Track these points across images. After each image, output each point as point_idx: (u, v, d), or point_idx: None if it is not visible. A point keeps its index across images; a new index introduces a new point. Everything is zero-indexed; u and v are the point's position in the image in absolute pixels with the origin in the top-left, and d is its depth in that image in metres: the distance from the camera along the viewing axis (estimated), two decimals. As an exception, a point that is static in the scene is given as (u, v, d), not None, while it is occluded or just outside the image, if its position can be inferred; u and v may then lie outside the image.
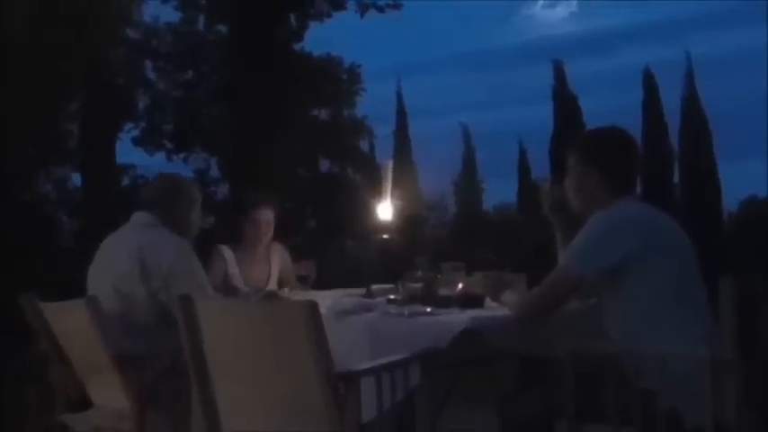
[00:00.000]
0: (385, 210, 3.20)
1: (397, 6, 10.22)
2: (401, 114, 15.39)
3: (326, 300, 2.73)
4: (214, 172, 11.61)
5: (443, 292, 2.70)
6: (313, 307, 1.86)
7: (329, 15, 10.48)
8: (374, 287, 3.01)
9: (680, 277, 2.17)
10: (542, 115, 15.79)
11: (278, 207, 3.73)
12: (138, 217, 2.84)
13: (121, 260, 2.71)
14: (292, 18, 10.43)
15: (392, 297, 2.76)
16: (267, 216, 3.64)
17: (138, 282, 2.66)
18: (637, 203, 2.35)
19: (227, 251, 3.57)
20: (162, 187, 2.93)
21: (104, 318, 2.51)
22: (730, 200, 15.03)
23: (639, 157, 2.42)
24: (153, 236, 2.75)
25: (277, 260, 3.70)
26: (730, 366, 1.88)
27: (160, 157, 11.95)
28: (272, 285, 3.61)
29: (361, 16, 10.26)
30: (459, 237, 12.01)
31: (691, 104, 15.39)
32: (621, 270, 2.14)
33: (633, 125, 15.53)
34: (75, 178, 10.04)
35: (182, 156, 11.95)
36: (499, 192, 15.76)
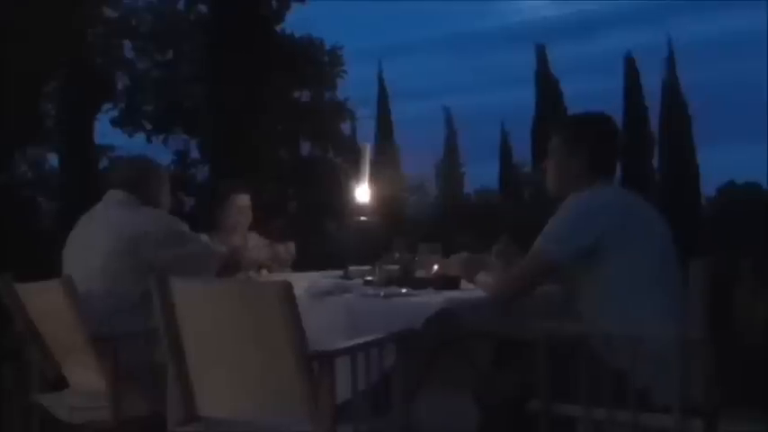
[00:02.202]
0: (363, 192, 3.21)
1: (378, -14, 10.16)
2: (383, 97, 15.37)
3: (304, 281, 2.74)
4: (194, 154, 11.55)
5: (420, 273, 2.71)
6: (287, 287, 1.87)
7: (310, -4, 10.42)
8: (352, 269, 3.02)
9: (656, 260, 2.19)
10: (524, 99, 15.85)
11: (253, 193, 3.72)
12: (113, 194, 2.83)
13: (101, 238, 2.70)
14: (273, -1, 10.36)
15: (369, 278, 2.77)
16: (244, 202, 3.63)
17: (124, 257, 2.65)
18: (614, 187, 2.37)
19: (203, 237, 3.54)
20: (131, 168, 2.93)
21: (80, 298, 2.49)
22: (708, 185, 15.20)
23: (619, 144, 2.44)
24: (130, 209, 2.76)
25: (253, 248, 3.69)
26: (700, 346, 1.91)
27: (139, 138, 11.88)
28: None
29: (343, -3, 10.20)
30: (440, 220, 12.05)
31: (671, 90, 15.50)
32: (596, 252, 2.16)
33: (614, 109, 15.58)
34: (53, 159, 9.96)
35: (161, 137, 11.88)
36: (481, 175, 15.84)
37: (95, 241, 2.72)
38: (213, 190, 5.49)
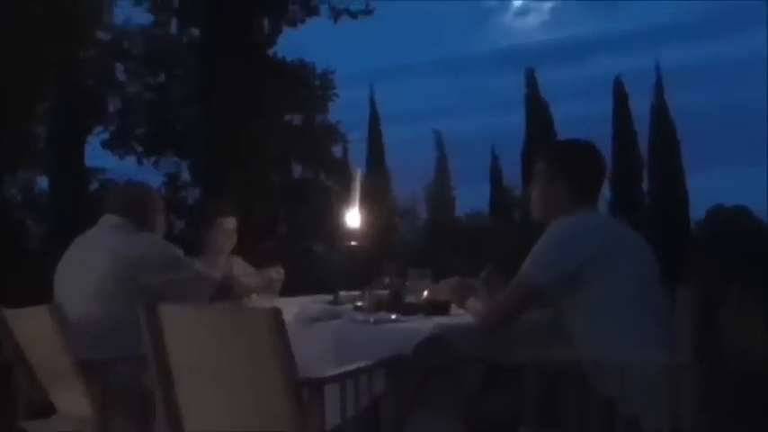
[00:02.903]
0: (353, 217, 3.21)
1: (369, 12, 10.29)
2: (374, 120, 15.46)
3: (293, 306, 2.74)
4: (185, 176, 11.56)
5: (410, 299, 2.71)
6: (277, 314, 1.87)
7: (302, 21, 10.51)
8: (341, 294, 3.02)
9: (640, 286, 2.21)
10: (515, 122, 15.97)
11: (243, 215, 3.72)
12: (108, 218, 2.83)
13: (98, 261, 2.69)
14: (266, 23, 10.43)
15: (359, 304, 2.77)
16: (230, 225, 3.63)
17: (121, 281, 2.64)
18: (597, 213, 2.40)
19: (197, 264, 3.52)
20: (128, 194, 2.93)
21: (74, 321, 2.48)
22: (698, 207, 15.30)
23: (605, 173, 2.46)
24: (127, 234, 2.76)
25: (238, 272, 3.68)
26: (687, 372, 1.92)
27: (130, 160, 11.88)
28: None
29: (335, 22, 10.32)
30: (431, 243, 12.06)
31: (659, 114, 15.66)
32: (581, 278, 2.17)
33: (603, 133, 15.75)
34: (42, 182, 9.94)
35: (152, 159, 11.89)
36: (471, 198, 15.88)
37: (90, 264, 2.71)
38: (200, 212, 5.49)
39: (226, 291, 3.02)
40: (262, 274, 3.60)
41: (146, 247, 2.72)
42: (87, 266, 2.72)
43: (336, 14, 10.26)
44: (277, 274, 3.57)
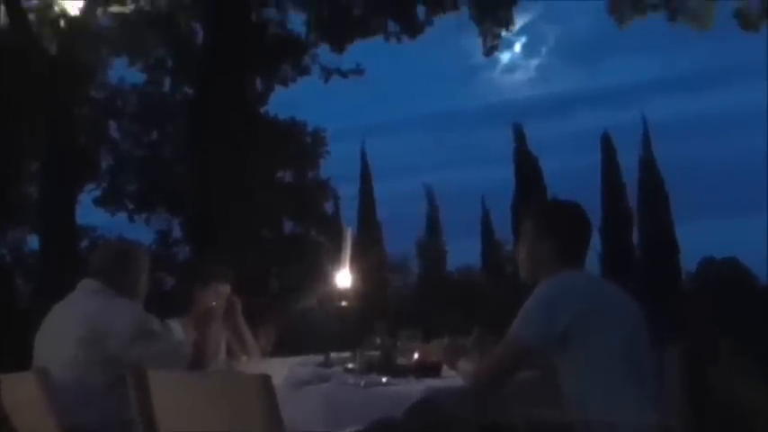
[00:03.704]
0: (344, 278, 3.21)
1: (359, 72, 10.47)
2: (365, 174, 15.56)
3: (283, 368, 2.72)
4: (176, 233, 11.56)
5: (400, 360, 2.70)
6: (266, 380, 1.86)
7: (294, 80, 10.69)
8: (332, 355, 2.99)
9: (628, 345, 2.22)
10: (504, 176, 16.10)
11: (234, 274, 3.70)
12: (86, 284, 2.82)
13: (73, 327, 2.67)
14: (258, 82, 10.60)
15: (349, 366, 2.75)
16: (223, 290, 3.61)
17: (93, 348, 2.62)
18: (584, 273, 2.41)
19: (175, 325, 3.48)
20: (109, 255, 2.91)
21: (54, 389, 2.46)
22: (688, 259, 15.34)
23: (591, 233, 2.48)
24: (103, 301, 2.73)
25: (223, 332, 3.65)
26: (677, 433, 1.91)
27: (122, 217, 11.89)
28: (222, 356, 3.57)
29: (326, 82, 10.50)
30: (423, 298, 12.02)
31: (647, 167, 15.84)
32: (569, 337, 2.18)
33: (592, 186, 15.89)
34: (33, 240, 9.92)
35: (144, 216, 11.90)
36: (463, 252, 15.89)
37: (66, 331, 2.69)
38: (195, 271, 5.47)
39: (197, 361, 2.93)
40: (252, 341, 3.58)
41: (120, 318, 2.68)
42: (63, 333, 2.70)
43: (327, 74, 10.45)
44: (267, 338, 3.55)
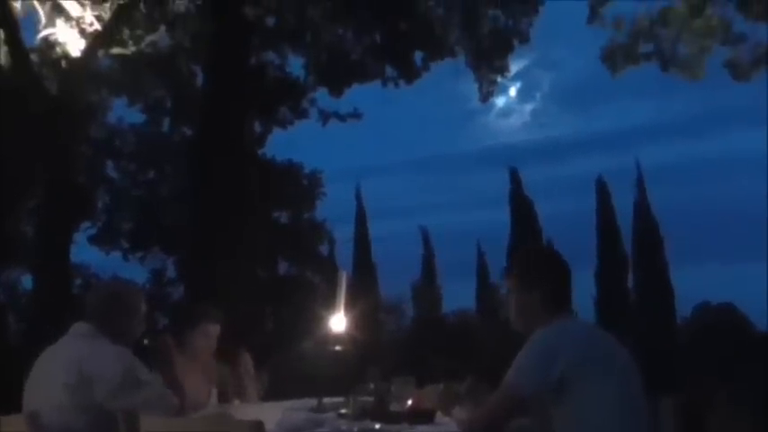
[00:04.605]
0: (338, 322, 3.21)
1: (357, 116, 10.57)
2: (360, 216, 15.61)
3: (276, 413, 2.70)
4: (171, 272, 11.53)
5: (394, 407, 2.68)
6: (258, 427, 1.85)
7: (292, 122, 10.79)
8: (325, 401, 2.98)
9: (622, 393, 2.22)
10: (500, 219, 16.17)
11: (228, 315, 3.69)
12: (77, 328, 2.80)
13: (61, 372, 2.65)
14: (257, 124, 10.70)
15: (343, 411, 2.73)
16: (213, 331, 3.60)
17: (80, 394, 2.60)
18: (574, 321, 2.42)
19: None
20: (101, 297, 2.88)
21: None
22: (683, 303, 15.32)
23: (570, 276, 2.49)
24: (92, 346, 2.70)
25: (215, 373, 3.63)
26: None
27: (116, 256, 11.86)
28: (213, 399, 3.54)
29: (323, 125, 10.59)
30: (417, 341, 11.95)
31: (642, 211, 15.92)
32: (563, 386, 2.18)
33: (587, 230, 15.94)
34: (27, 280, 9.87)
35: (138, 255, 11.88)
36: (458, 294, 15.85)
37: (55, 375, 2.67)
38: (185, 312, 5.45)
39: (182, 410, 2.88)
40: (243, 385, 3.56)
41: (107, 365, 2.64)
42: (52, 377, 2.68)
43: (325, 117, 10.56)
44: (260, 382, 3.53)
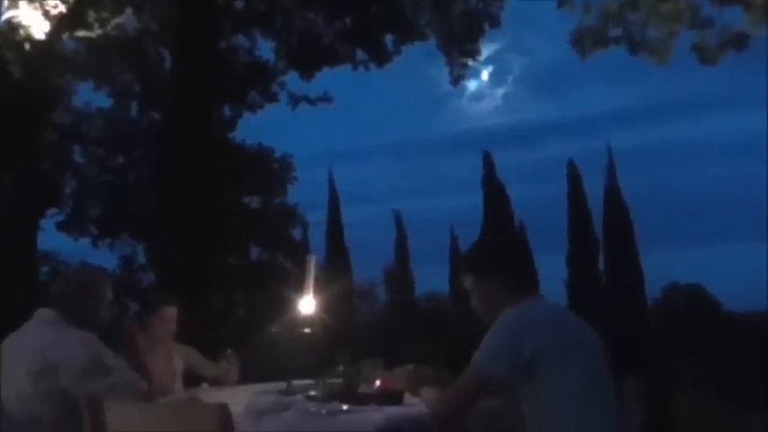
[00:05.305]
0: (307, 304, 3.20)
1: (327, 99, 10.50)
2: (333, 201, 15.58)
3: (245, 396, 2.69)
4: (141, 259, 11.40)
5: (363, 388, 2.68)
6: (223, 409, 1.84)
7: (262, 107, 10.68)
8: (294, 383, 2.97)
9: (589, 373, 2.23)
10: (473, 203, 16.24)
11: (198, 302, 3.67)
12: (41, 314, 2.76)
13: (25, 359, 2.61)
14: (226, 108, 10.58)
15: (312, 393, 2.73)
16: (170, 314, 3.58)
17: (44, 381, 2.56)
18: (541, 302, 2.42)
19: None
20: (66, 285, 2.84)
21: (6, 421, 2.39)
22: (652, 286, 15.55)
23: (529, 259, 2.50)
24: (56, 333, 2.66)
25: (180, 358, 3.61)
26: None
27: (85, 242, 11.70)
28: (178, 383, 3.52)
29: (293, 109, 10.50)
30: (390, 325, 11.99)
31: (612, 195, 16.09)
32: (530, 367, 2.19)
33: (558, 213, 16.08)
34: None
35: (108, 242, 11.73)
36: (431, 278, 15.92)
37: (18, 362, 2.63)
38: (143, 299, 5.40)
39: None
40: (214, 365, 3.55)
41: (73, 350, 2.60)
42: (14, 364, 2.63)
43: (295, 101, 10.45)
44: (229, 362, 3.52)
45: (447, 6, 9.44)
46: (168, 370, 3.50)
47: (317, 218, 14.02)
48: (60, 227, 11.60)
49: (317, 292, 3.40)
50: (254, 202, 11.64)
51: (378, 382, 2.65)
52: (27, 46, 9.04)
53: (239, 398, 2.60)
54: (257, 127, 11.32)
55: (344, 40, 9.80)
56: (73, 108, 11.71)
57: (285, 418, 2.42)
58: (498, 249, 2.51)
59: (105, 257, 11.65)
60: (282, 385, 3.04)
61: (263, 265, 11.38)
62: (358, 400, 2.57)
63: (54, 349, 2.59)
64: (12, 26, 9.06)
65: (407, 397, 2.61)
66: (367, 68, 9.79)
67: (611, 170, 16.25)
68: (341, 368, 2.84)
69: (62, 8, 8.96)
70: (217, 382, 3.59)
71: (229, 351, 3.63)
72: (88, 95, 11.52)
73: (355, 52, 9.81)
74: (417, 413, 2.39)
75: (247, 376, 3.68)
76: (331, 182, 15.55)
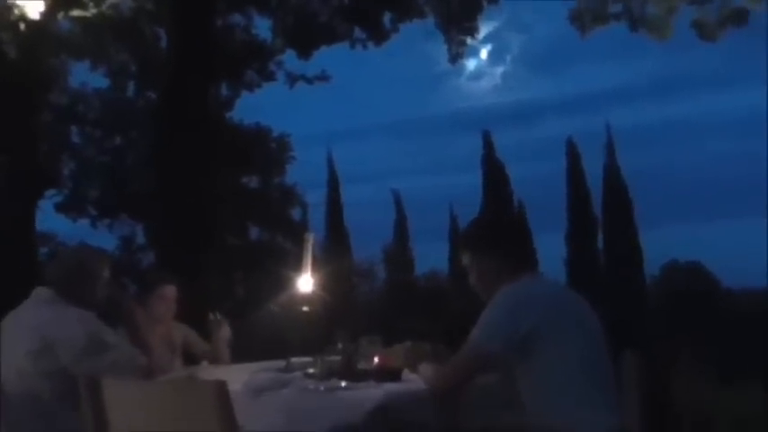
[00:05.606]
0: (305, 282, 3.20)
1: (325, 78, 10.44)
2: (332, 181, 15.55)
3: (243, 374, 2.69)
4: (140, 239, 11.41)
5: (361, 365, 2.69)
6: (221, 386, 1.84)
7: (259, 86, 10.62)
8: (293, 360, 2.98)
9: (587, 351, 2.23)
10: (472, 182, 16.24)
11: (197, 281, 3.68)
12: (38, 293, 2.75)
13: (23, 338, 2.61)
14: (223, 87, 10.52)
15: (310, 371, 2.73)
16: (169, 293, 3.59)
17: (43, 360, 2.56)
18: (539, 279, 2.42)
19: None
20: (63, 265, 2.83)
21: (5, 400, 2.40)
22: (651, 264, 15.58)
23: (526, 237, 2.50)
24: (54, 312, 2.66)
25: (179, 337, 3.63)
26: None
27: (84, 223, 11.70)
28: (177, 361, 3.54)
29: (290, 87, 10.43)
30: (389, 304, 12.03)
31: (611, 174, 16.08)
32: (527, 344, 2.19)
33: (557, 192, 16.07)
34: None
35: (106, 222, 11.73)
36: (431, 257, 15.95)
37: (16, 341, 2.62)
38: (142, 278, 5.40)
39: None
40: (209, 344, 3.56)
41: (71, 328, 2.60)
42: (12, 344, 2.63)
43: (293, 80, 10.39)
44: (221, 330, 3.55)
45: (445, -17, 9.36)
46: (168, 348, 3.51)
47: (315, 198, 14.01)
48: (59, 208, 11.60)
49: (315, 270, 3.40)
50: (252, 181, 11.63)
51: (376, 359, 2.66)
52: (22, 26, 8.95)
53: (237, 376, 2.60)
54: (255, 106, 11.28)
55: (342, 17, 9.72)
56: (69, 88, 11.66)
57: (284, 395, 2.42)
58: (496, 226, 2.52)
59: (104, 238, 11.67)
60: (281, 363, 3.04)
61: (261, 245, 11.40)
62: (356, 376, 2.57)
63: (52, 328, 2.59)
64: (6, 6, 8.97)
65: (406, 373, 2.62)
66: (365, 46, 9.72)
67: (610, 148, 16.23)
68: (339, 346, 2.84)
69: (56, -13, 8.87)
70: (211, 360, 3.60)
71: (218, 316, 3.63)
72: (84, 76, 11.47)
73: (353, 30, 9.73)
74: (416, 390, 2.39)
75: (246, 354, 3.69)
76: (330, 161, 15.52)
